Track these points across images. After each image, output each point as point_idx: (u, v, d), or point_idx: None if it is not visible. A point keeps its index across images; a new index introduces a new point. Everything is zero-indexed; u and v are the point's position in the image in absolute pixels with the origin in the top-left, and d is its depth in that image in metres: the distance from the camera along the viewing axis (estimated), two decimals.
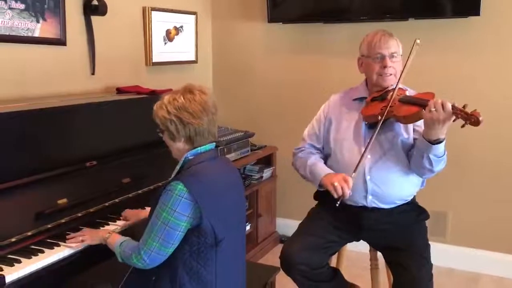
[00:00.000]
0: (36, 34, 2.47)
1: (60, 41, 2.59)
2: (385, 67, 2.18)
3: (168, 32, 3.42)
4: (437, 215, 3.24)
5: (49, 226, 1.91)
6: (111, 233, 1.89)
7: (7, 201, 1.86)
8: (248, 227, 3.37)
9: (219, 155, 2.02)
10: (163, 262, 1.72)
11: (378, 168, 2.16)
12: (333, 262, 2.39)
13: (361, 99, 2.28)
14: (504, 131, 3.17)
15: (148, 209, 1.96)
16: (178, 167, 1.80)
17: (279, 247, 2.55)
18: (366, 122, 2.20)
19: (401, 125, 2.16)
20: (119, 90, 2.89)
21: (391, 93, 2.14)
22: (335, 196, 2.07)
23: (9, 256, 1.75)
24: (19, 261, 1.72)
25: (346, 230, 2.25)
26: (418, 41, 2.12)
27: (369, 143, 2.10)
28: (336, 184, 2.06)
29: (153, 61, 3.29)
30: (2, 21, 2.30)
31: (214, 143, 1.85)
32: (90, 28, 2.79)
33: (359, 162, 2.10)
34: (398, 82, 2.15)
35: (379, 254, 2.35)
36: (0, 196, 1.85)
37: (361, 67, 2.30)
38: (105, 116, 2.41)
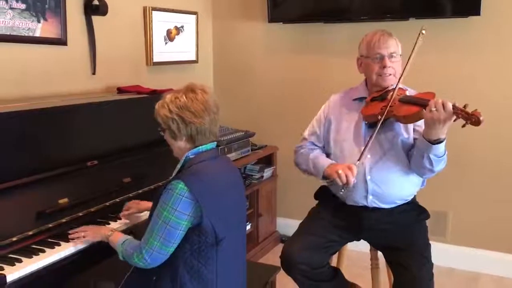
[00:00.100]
0: (37, 34, 2.47)
1: (61, 41, 2.60)
2: (384, 67, 2.17)
3: (168, 32, 3.43)
4: (438, 215, 3.24)
5: (50, 225, 1.92)
6: (113, 231, 1.89)
7: (9, 200, 1.87)
8: (248, 227, 3.38)
9: (220, 154, 2.02)
10: (164, 261, 1.72)
11: (378, 168, 2.16)
12: (333, 261, 2.40)
13: (361, 99, 2.28)
14: (504, 131, 3.17)
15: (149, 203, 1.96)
16: (179, 166, 1.80)
17: (280, 246, 2.55)
18: (366, 122, 2.20)
19: (401, 125, 2.16)
20: (120, 90, 2.89)
21: (391, 92, 2.14)
22: (340, 183, 2.06)
23: (10, 255, 1.75)
24: (20, 261, 1.72)
25: (346, 229, 2.25)
26: (424, 30, 2.11)
27: (369, 141, 2.10)
28: (340, 171, 2.06)
29: (154, 61, 3.29)
30: (3, 21, 2.30)
31: (215, 143, 1.86)
32: (91, 28, 2.79)
33: (363, 150, 2.10)
34: (398, 82, 2.15)
35: (379, 253, 2.35)
36: (2, 196, 1.85)
37: (360, 67, 2.30)
38: (106, 116, 2.41)
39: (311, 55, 3.64)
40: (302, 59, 3.67)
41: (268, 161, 3.70)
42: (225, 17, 3.90)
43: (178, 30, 3.52)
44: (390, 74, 2.19)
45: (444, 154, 2.04)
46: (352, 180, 2.05)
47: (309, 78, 3.64)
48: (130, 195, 2.26)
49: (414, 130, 2.16)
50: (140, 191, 2.31)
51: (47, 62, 2.58)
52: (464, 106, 1.87)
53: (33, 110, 2.10)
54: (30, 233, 1.84)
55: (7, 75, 2.39)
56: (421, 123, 2.08)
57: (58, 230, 1.94)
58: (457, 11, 3.11)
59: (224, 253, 1.74)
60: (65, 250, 1.84)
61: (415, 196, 2.30)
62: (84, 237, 1.90)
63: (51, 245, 1.85)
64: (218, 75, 4.01)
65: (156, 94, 2.69)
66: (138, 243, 1.75)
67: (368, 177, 2.16)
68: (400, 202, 2.21)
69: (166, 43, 3.41)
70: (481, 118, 1.81)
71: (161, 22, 3.33)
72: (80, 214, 2.03)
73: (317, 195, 2.44)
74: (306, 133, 2.39)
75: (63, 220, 1.97)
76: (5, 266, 1.68)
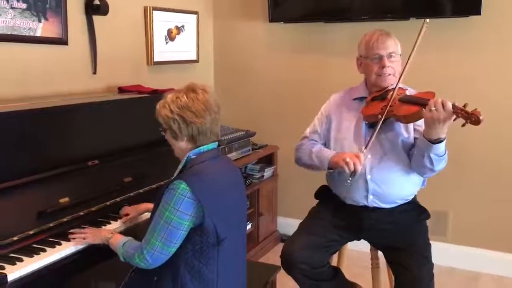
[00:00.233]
0: (38, 33, 2.47)
1: (61, 41, 2.60)
2: (383, 67, 2.18)
3: (169, 31, 3.43)
4: (438, 215, 3.24)
5: (51, 225, 1.92)
6: (113, 234, 1.88)
7: (10, 200, 1.87)
8: (249, 226, 3.38)
9: (221, 154, 2.02)
10: (165, 261, 1.72)
11: (379, 167, 2.16)
12: (334, 261, 2.40)
13: (361, 98, 2.29)
14: (504, 131, 3.17)
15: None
16: (180, 166, 1.80)
17: (280, 246, 2.55)
18: (367, 122, 2.21)
19: (402, 124, 2.16)
20: (121, 90, 2.90)
21: (391, 92, 2.14)
22: (348, 171, 2.05)
23: (11, 255, 1.75)
24: (21, 260, 1.73)
25: (347, 229, 2.25)
26: (427, 22, 2.10)
27: (369, 140, 2.10)
28: (348, 159, 2.05)
29: (155, 60, 3.29)
30: (4, 21, 2.31)
31: (217, 143, 1.86)
32: (92, 27, 2.79)
33: (370, 139, 2.09)
34: (399, 81, 2.15)
35: (380, 253, 2.35)
36: (3, 195, 1.85)
37: (360, 67, 2.30)
38: (106, 116, 2.41)
39: (311, 55, 3.64)
40: (303, 58, 3.67)
41: (268, 160, 3.70)
42: (226, 17, 3.90)
43: (179, 29, 3.52)
44: (389, 74, 2.19)
45: (445, 153, 2.04)
46: (359, 167, 2.04)
47: (309, 78, 3.64)
48: (131, 194, 2.26)
49: (414, 129, 2.16)
50: (141, 191, 2.31)
51: (48, 62, 2.58)
52: (464, 106, 1.87)
53: (34, 109, 2.10)
54: (31, 232, 1.84)
55: (8, 75, 2.39)
56: (421, 123, 2.08)
57: (59, 230, 1.94)
58: (458, 11, 3.12)
59: (225, 252, 1.75)
60: (66, 249, 1.85)
61: (415, 196, 2.30)
62: (84, 239, 1.90)
63: (52, 245, 1.85)
64: (218, 75, 4.01)
65: (157, 94, 2.69)
66: (139, 244, 1.75)
67: (369, 177, 2.16)
68: (400, 202, 2.22)
69: (166, 42, 3.41)
70: (481, 118, 1.81)
71: (161, 22, 3.33)
72: (81, 213, 2.03)
73: (317, 195, 2.44)
74: (307, 132, 2.40)
75: (64, 220, 1.96)
76: (6, 265, 1.68)
